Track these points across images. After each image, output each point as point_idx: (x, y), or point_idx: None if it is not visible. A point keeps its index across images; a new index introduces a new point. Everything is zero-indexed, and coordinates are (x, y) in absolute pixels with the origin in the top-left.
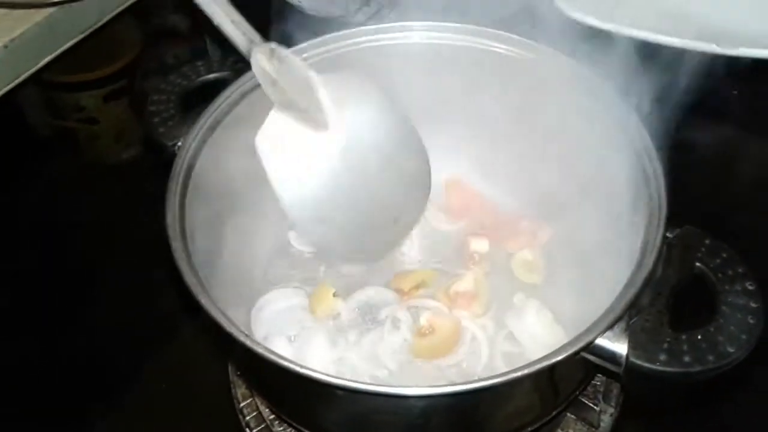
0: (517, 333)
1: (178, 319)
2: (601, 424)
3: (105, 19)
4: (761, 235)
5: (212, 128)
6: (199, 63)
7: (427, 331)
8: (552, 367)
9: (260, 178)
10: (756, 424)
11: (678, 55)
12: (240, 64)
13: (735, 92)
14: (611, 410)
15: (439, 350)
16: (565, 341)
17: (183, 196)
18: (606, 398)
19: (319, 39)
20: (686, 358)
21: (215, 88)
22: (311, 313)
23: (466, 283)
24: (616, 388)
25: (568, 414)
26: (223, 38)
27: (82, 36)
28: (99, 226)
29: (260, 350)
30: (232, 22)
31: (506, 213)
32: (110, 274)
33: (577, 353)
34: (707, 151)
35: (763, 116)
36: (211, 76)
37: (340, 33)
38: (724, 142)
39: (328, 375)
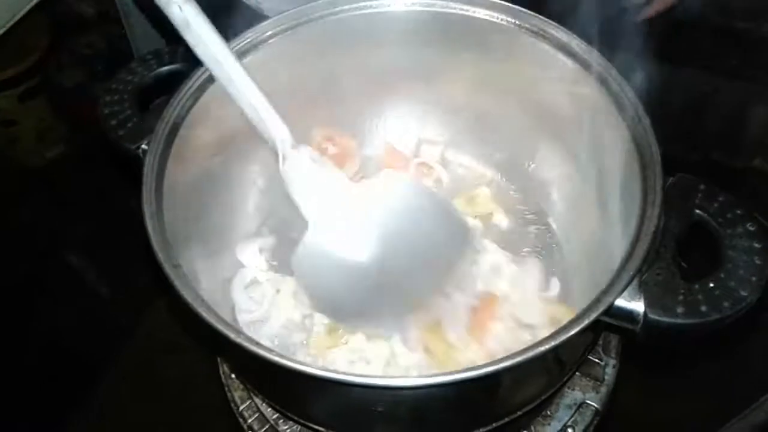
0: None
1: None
2: (605, 378)
3: (15, 20)
4: (755, 177)
5: (177, 125)
6: (149, 57)
7: None
8: (568, 340)
9: (232, 170)
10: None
11: None
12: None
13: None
14: (613, 362)
15: None
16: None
17: (158, 201)
18: (606, 350)
19: (297, 9)
20: (703, 308)
21: (170, 82)
22: None
23: None
24: (614, 339)
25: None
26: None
27: None
28: (33, 231)
29: (253, 347)
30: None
31: None
32: (53, 281)
33: (596, 319)
34: (690, 97)
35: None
36: (164, 69)
37: (320, 2)
38: (708, 88)
39: (322, 370)
